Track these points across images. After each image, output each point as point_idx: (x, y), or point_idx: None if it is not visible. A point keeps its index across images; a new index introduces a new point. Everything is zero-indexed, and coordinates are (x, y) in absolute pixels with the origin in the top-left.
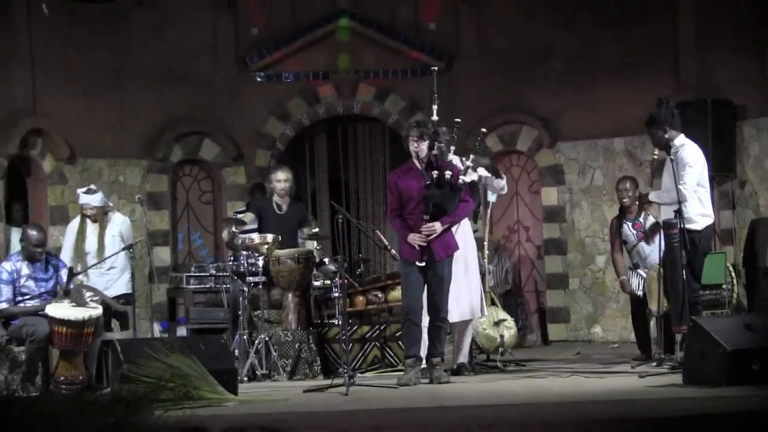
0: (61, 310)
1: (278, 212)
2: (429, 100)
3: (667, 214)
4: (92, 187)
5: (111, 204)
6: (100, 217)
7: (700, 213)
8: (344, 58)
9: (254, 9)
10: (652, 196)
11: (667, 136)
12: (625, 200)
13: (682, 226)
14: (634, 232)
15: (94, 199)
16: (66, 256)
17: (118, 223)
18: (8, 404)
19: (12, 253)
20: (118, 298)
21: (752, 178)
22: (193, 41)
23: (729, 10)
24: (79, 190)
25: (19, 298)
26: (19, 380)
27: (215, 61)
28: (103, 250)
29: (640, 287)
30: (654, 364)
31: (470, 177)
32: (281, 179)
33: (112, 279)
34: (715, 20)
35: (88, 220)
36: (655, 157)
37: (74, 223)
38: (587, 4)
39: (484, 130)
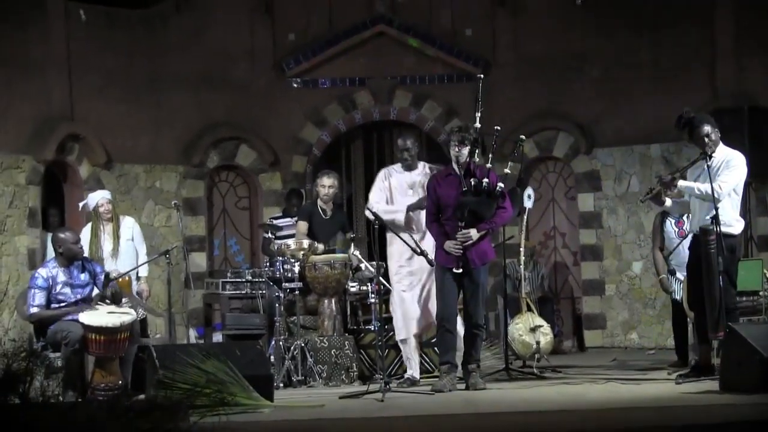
0: (93, 317)
1: (324, 217)
2: (474, 106)
3: (702, 220)
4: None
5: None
6: (115, 215)
7: (734, 218)
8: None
9: (292, 14)
10: (682, 183)
11: (710, 135)
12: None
13: (719, 231)
14: (676, 229)
15: (108, 193)
16: None
17: (129, 226)
18: (43, 411)
19: (48, 260)
20: None
21: None
22: (230, 46)
23: (765, 15)
24: (89, 195)
25: (55, 305)
26: (60, 385)
27: (252, 66)
28: (118, 254)
29: (679, 292)
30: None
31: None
32: (326, 185)
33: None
34: (751, 25)
35: (100, 225)
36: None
37: (86, 231)
38: (624, 9)
39: (523, 137)
